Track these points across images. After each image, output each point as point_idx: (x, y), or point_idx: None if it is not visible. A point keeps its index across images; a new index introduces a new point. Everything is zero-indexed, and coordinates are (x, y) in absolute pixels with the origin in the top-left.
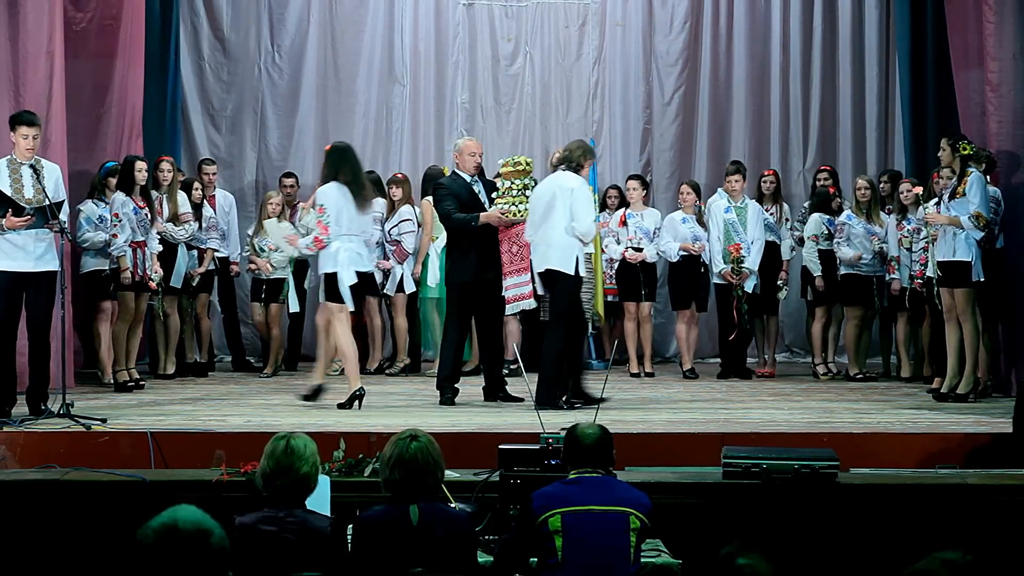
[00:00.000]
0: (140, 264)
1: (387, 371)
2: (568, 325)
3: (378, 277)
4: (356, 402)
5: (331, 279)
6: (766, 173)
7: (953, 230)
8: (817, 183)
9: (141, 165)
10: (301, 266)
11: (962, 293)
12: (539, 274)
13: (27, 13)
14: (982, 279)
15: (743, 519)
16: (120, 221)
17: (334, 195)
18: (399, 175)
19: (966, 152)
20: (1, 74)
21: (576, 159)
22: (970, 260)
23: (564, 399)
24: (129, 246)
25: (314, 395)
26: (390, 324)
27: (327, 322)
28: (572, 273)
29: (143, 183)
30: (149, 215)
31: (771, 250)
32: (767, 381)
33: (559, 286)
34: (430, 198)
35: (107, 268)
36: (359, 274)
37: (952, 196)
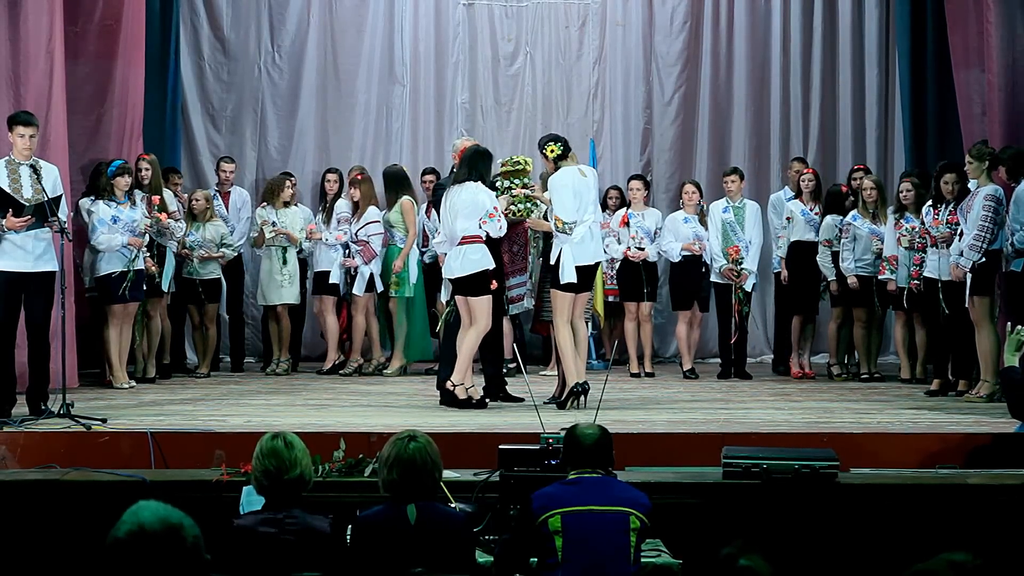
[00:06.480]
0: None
1: (340, 371)
2: None
3: (335, 276)
4: None
5: None
6: (806, 171)
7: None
8: (852, 183)
9: None
10: (233, 266)
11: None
12: None
13: (27, 13)
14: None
15: (743, 519)
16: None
17: None
18: (359, 175)
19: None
20: (1, 74)
21: None
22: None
23: None
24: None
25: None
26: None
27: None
28: None
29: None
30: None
31: (810, 249)
32: (767, 381)
33: None
34: (408, 198)
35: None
36: None
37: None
